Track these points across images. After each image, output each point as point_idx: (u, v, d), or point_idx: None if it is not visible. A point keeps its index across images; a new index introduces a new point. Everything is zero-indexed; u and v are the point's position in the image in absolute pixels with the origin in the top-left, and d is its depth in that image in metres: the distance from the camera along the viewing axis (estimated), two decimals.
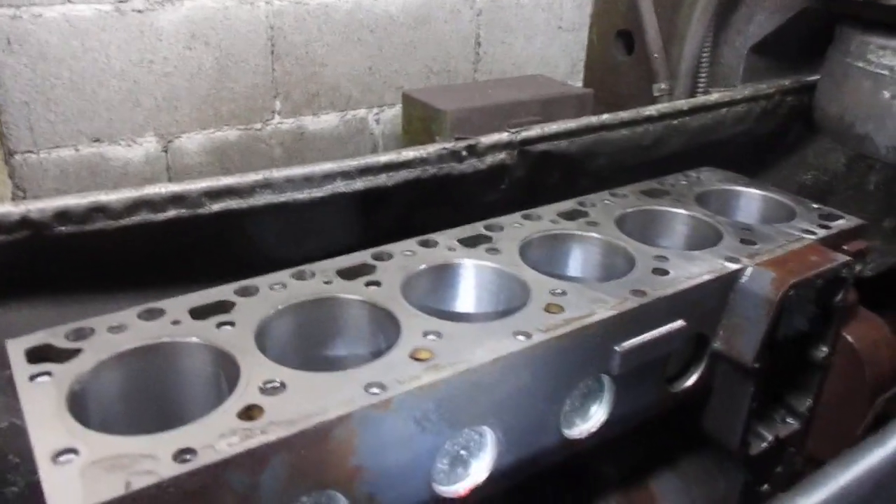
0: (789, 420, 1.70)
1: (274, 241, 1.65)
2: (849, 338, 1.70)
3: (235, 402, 1.01)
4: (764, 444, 1.62)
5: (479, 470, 1.21)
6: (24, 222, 1.35)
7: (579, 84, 3.85)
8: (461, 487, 1.20)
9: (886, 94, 2.13)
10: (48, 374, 1.06)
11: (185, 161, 3.11)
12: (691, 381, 1.49)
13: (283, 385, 1.04)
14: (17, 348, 1.11)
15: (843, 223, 1.70)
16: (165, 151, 3.07)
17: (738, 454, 1.58)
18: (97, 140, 2.91)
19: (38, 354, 1.11)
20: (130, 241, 1.47)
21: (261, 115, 3.24)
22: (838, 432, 1.75)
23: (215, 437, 0.94)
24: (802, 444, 1.76)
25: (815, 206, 1.77)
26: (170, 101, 3.01)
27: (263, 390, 1.04)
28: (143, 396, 1.16)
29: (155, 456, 0.91)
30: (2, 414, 1.38)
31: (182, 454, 0.91)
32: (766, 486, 1.72)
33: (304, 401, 1.01)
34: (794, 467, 1.78)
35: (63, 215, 1.38)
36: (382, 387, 1.04)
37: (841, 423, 1.75)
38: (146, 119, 2.99)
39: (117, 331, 1.16)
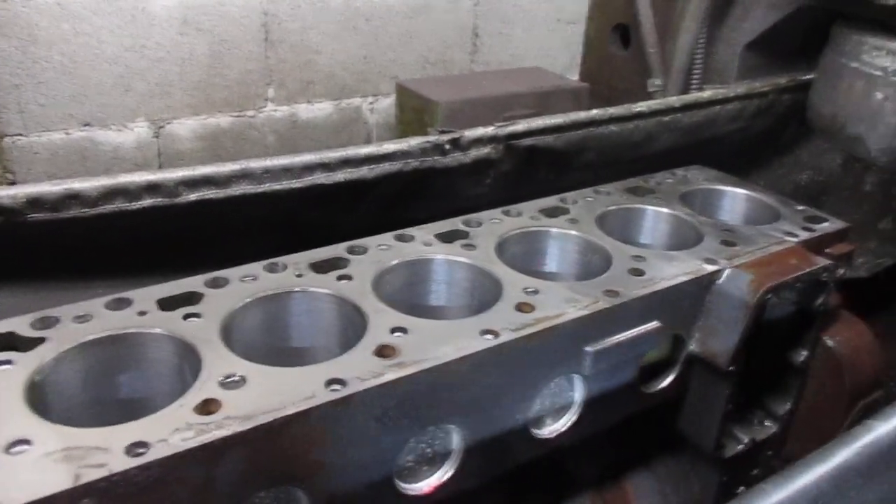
0: (767, 423, 1.69)
1: (252, 231, 1.64)
2: (829, 342, 1.69)
3: (193, 396, 1.00)
4: (739, 447, 1.61)
5: (444, 468, 1.20)
6: None
7: (577, 78, 3.82)
8: (426, 485, 1.19)
9: (879, 96, 2.11)
10: (9, 362, 1.05)
11: (176, 147, 3.10)
12: (666, 382, 1.47)
13: (243, 379, 1.04)
14: None
15: (827, 226, 1.68)
16: (157, 137, 3.06)
17: (713, 456, 1.57)
18: (88, 124, 2.90)
19: (1, 342, 1.10)
20: (106, 229, 1.47)
21: (254, 102, 3.22)
22: (817, 436, 1.74)
23: (170, 430, 0.94)
24: (780, 447, 1.75)
25: (800, 207, 1.75)
26: (162, 87, 3.00)
27: (223, 384, 1.03)
28: (107, 387, 1.15)
29: (108, 449, 0.90)
30: None
31: (135, 447, 0.90)
32: (741, 489, 1.71)
33: (264, 396, 1.01)
34: (772, 470, 1.77)
35: (36, 202, 1.38)
36: (343, 383, 1.03)
37: (820, 428, 1.74)
38: (138, 104, 2.98)
39: (83, 320, 1.15)
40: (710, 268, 1.44)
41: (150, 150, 3.06)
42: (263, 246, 1.49)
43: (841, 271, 1.66)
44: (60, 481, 0.85)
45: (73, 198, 1.40)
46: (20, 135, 2.79)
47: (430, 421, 1.14)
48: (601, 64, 3.11)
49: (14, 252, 1.42)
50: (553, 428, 1.32)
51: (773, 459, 1.75)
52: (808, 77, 2.52)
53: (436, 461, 1.20)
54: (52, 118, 2.82)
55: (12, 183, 2.81)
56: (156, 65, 2.96)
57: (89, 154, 2.93)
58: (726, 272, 1.44)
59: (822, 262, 1.53)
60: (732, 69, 2.60)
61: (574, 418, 1.33)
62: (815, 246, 1.61)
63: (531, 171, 2.04)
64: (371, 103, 3.52)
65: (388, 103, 3.51)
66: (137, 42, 2.89)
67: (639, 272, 1.39)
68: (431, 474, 1.20)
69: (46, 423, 0.95)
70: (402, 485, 1.16)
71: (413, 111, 3.04)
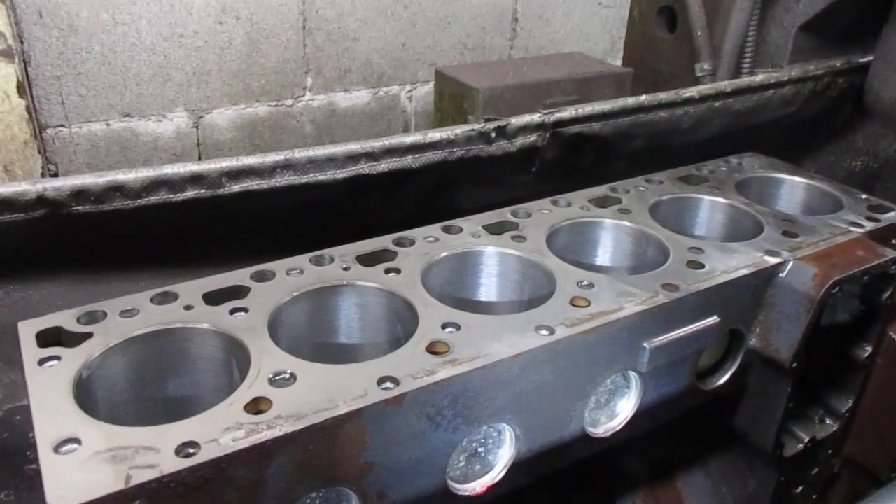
0: (827, 421, 1.62)
1: (295, 223, 1.61)
2: (895, 336, 1.61)
3: (243, 394, 0.98)
4: (799, 446, 1.55)
5: (496, 468, 1.16)
6: (41, 201, 1.33)
7: (619, 63, 3.73)
8: (478, 485, 1.15)
9: None
10: (57, 358, 1.04)
11: (215, 136, 3.09)
12: (724, 378, 1.42)
13: (293, 377, 1.01)
14: (28, 331, 1.09)
15: (893, 216, 1.60)
16: (196, 127, 3.05)
17: (772, 455, 1.51)
18: (127, 115, 2.91)
19: (49, 337, 1.09)
20: (149, 221, 1.45)
21: (292, 91, 3.20)
22: (880, 436, 1.67)
23: (220, 430, 0.91)
24: (841, 446, 1.68)
25: (863, 196, 1.67)
26: (200, 76, 2.99)
27: (273, 382, 1.00)
28: (154, 383, 1.13)
29: (157, 449, 0.88)
30: (22, 391, 1.37)
31: (185, 448, 0.88)
32: (799, 488, 1.65)
33: (314, 394, 0.98)
34: (830, 469, 1.71)
35: (80, 194, 1.36)
36: (395, 381, 1.00)
37: (883, 427, 1.67)
38: (176, 94, 2.97)
39: (129, 314, 1.13)
40: (773, 260, 1.37)
41: (189, 140, 3.05)
42: (306, 236, 1.47)
43: None
44: (111, 482, 0.83)
45: (117, 189, 1.39)
46: (61, 126, 2.81)
47: (484, 419, 1.10)
48: (645, 48, 3.02)
49: (58, 245, 1.41)
50: (608, 426, 1.28)
51: (832, 458, 1.68)
52: (865, 59, 2.42)
53: (488, 461, 1.17)
54: (92, 109, 2.83)
55: (54, 174, 2.82)
56: (194, 54, 2.95)
57: (129, 145, 2.94)
58: (789, 265, 1.37)
59: (890, 253, 1.45)
60: (785, 52, 2.50)
61: (630, 416, 1.28)
62: (881, 237, 1.54)
63: (577, 159, 1.98)
64: (409, 91, 3.48)
65: (426, 91, 3.46)
66: (175, 31, 2.88)
67: (698, 265, 1.34)
68: (484, 474, 1.16)
69: (94, 421, 0.93)
70: (454, 485, 1.12)
71: (451, 98, 2.98)
